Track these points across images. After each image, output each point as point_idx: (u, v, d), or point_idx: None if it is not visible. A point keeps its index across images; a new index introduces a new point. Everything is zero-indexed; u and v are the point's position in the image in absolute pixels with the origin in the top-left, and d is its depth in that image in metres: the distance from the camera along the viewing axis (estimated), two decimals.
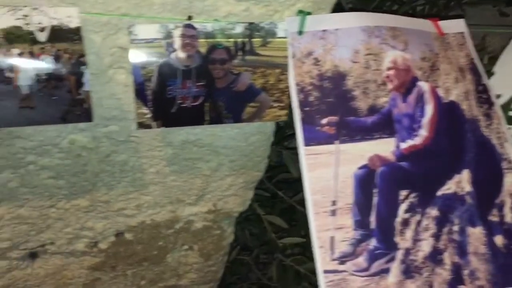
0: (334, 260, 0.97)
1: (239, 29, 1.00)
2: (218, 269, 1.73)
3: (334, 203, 1.00)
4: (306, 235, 1.56)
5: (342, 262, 0.98)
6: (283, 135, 1.53)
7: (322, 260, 0.97)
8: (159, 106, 1.00)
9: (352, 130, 1.03)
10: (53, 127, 1.09)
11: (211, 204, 1.47)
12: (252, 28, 1.01)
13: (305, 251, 1.70)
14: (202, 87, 1.01)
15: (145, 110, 1.00)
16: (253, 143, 1.34)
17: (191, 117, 1.04)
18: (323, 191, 1.00)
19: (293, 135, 1.57)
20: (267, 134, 1.34)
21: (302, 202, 1.66)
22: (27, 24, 0.83)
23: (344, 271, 0.98)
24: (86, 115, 0.91)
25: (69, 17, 0.86)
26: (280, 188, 1.67)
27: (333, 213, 0.99)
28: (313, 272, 1.55)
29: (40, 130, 1.08)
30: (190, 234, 1.54)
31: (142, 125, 1.01)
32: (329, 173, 1.01)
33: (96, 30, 0.95)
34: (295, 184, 1.73)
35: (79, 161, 1.18)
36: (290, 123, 1.08)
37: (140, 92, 0.98)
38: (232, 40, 1.01)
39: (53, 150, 1.14)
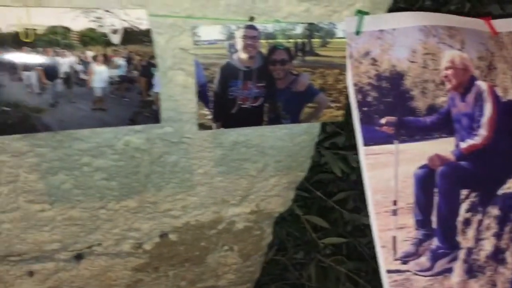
0: (396, 260, 0.98)
1: (299, 29, 1.01)
2: (256, 269, 1.74)
3: (395, 203, 1.00)
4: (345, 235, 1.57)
5: (405, 262, 0.98)
6: (324, 135, 1.53)
7: (385, 260, 0.97)
8: (220, 107, 1.01)
9: (411, 130, 1.03)
10: (110, 129, 1.09)
11: (254, 204, 1.47)
12: (312, 29, 1.01)
13: (345, 251, 1.70)
14: (262, 88, 1.01)
15: (206, 111, 1.00)
16: (298, 143, 1.34)
17: (250, 117, 1.04)
18: (384, 190, 1.00)
19: (334, 135, 1.57)
20: (313, 134, 1.35)
21: (340, 202, 1.66)
22: (100, 26, 0.83)
23: (408, 271, 0.98)
24: (154, 117, 0.91)
25: (139, 19, 0.87)
26: (317, 188, 1.68)
27: (394, 212, 0.99)
28: (354, 272, 1.55)
29: (98, 131, 1.08)
30: (232, 234, 1.55)
31: (202, 126, 1.02)
32: (389, 173, 1.01)
33: (160, 32, 0.95)
34: (333, 184, 1.73)
35: (132, 163, 1.18)
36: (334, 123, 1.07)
37: (202, 93, 0.99)
38: (292, 40, 1.01)
39: (108, 151, 1.14)
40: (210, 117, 1.00)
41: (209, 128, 1.01)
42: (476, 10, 1.67)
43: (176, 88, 1.06)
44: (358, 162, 1.43)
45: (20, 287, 1.37)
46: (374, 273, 1.78)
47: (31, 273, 1.36)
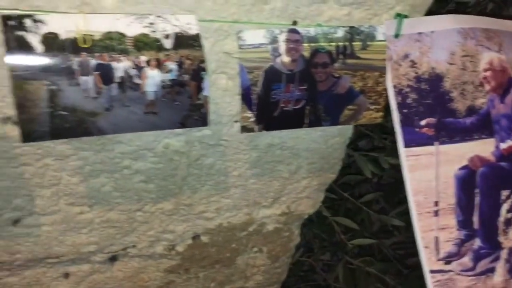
0: (439, 260, 0.99)
1: (340, 33, 1.02)
2: (283, 271, 1.75)
3: (436, 203, 1.01)
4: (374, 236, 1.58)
5: (447, 262, 0.99)
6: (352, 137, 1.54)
7: (428, 260, 0.98)
8: (262, 110, 1.02)
9: (451, 131, 1.05)
10: (150, 132, 1.11)
11: (285, 206, 1.49)
12: (353, 32, 1.03)
13: (374, 252, 1.71)
14: (304, 91, 1.03)
15: (249, 114, 1.01)
16: (332, 145, 1.35)
17: (292, 120, 1.05)
18: (425, 191, 1.01)
19: (361, 137, 1.59)
20: (346, 136, 1.36)
21: (368, 204, 1.67)
22: (153, 31, 0.85)
23: (450, 270, 0.99)
24: (203, 120, 0.93)
25: (189, 24, 0.88)
26: (344, 190, 1.69)
27: (436, 213, 1.00)
28: (384, 272, 1.56)
29: (139, 134, 1.10)
30: (261, 236, 1.56)
31: (245, 129, 1.03)
32: (430, 174, 1.03)
33: (206, 36, 0.97)
34: (360, 186, 1.74)
35: (170, 165, 1.20)
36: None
37: (246, 96, 1.00)
38: (334, 44, 1.02)
39: (147, 154, 1.16)
40: (252, 119, 1.02)
41: (251, 130, 1.03)
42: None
43: (217, 92, 1.08)
44: (389, 163, 1.45)
45: None
46: (399, 275, 1.79)
47: (66, 275, 1.38)
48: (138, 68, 0.85)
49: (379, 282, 1.53)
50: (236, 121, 1.17)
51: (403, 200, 1.77)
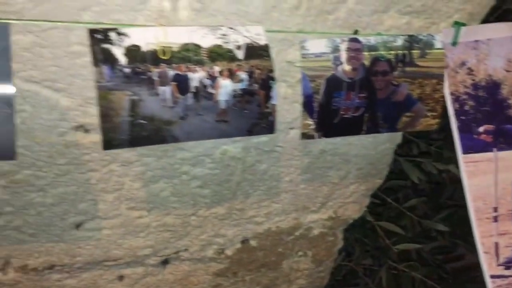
0: (500, 265, 1.00)
1: (399, 41, 1.04)
2: (326, 275, 1.77)
3: (495, 209, 1.02)
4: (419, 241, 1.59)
5: (508, 267, 1.00)
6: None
7: (488, 266, 1.00)
8: (322, 117, 1.05)
9: (510, 138, 1.06)
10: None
11: (331, 211, 1.51)
12: (412, 40, 1.05)
13: (412, 256, 1.72)
14: (364, 98, 1.05)
15: (310, 121, 1.04)
16: (381, 151, 1.37)
17: (351, 127, 1.08)
18: (484, 198, 1.03)
19: (408, 143, 1.60)
20: (395, 142, 1.38)
21: (411, 209, 1.68)
22: (226, 42, 0.88)
23: (511, 276, 1.00)
24: (270, 128, 0.96)
25: (258, 35, 0.91)
26: (387, 195, 1.70)
27: (496, 219, 1.01)
28: (428, 277, 1.57)
29: (200, 141, 1.13)
30: (307, 240, 1.58)
31: (305, 136, 1.06)
32: (489, 180, 1.04)
33: (271, 46, 1.00)
34: (401, 191, 1.76)
35: (226, 171, 1.23)
36: None
37: (307, 104, 1.03)
38: (393, 52, 1.04)
39: (206, 160, 1.19)
40: (313, 127, 1.04)
41: (312, 137, 1.05)
42: None
43: (277, 100, 1.11)
44: (437, 169, 1.46)
45: None
46: (440, 280, 1.80)
47: (121, 278, 1.41)
48: (212, 78, 0.88)
49: (424, 287, 1.54)
50: (291, 128, 1.20)
51: (445, 205, 1.78)
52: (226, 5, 0.90)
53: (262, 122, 0.95)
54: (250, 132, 0.95)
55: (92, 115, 1.00)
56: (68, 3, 0.81)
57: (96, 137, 1.04)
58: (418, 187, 1.80)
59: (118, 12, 0.85)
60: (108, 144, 0.85)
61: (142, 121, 0.85)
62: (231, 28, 0.89)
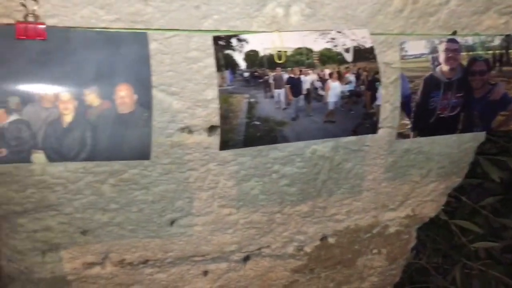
0: None
1: (497, 41, 1.05)
2: (397, 273, 1.78)
3: None
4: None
5: None
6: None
7: None
8: (419, 117, 1.07)
9: None
10: None
11: (409, 209, 1.52)
12: (509, 40, 1.06)
13: (488, 255, 1.72)
14: (461, 98, 1.07)
15: (406, 121, 1.06)
16: (464, 150, 1.38)
17: (446, 126, 1.09)
18: None
19: (486, 141, 1.59)
20: (479, 141, 1.38)
21: (485, 207, 1.68)
22: (335, 46, 0.92)
23: None
24: (373, 128, 0.99)
25: (364, 38, 0.94)
26: (461, 193, 1.70)
27: None
28: (503, 275, 1.56)
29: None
30: (383, 238, 1.60)
31: (401, 135, 1.08)
32: None
33: None
34: (477, 190, 1.75)
35: (313, 170, 1.27)
36: None
37: (405, 104, 1.05)
38: (490, 52, 1.06)
39: (296, 159, 1.23)
40: (409, 126, 1.06)
41: (407, 137, 1.07)
42: None
43: None
44: None
45: (195, 285, 1.48)
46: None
47: (205, 273, 1.47)
48: (322, 80, 0.92)
49: (503, 285, 1.54)
50: (380, 127, 1.22)
51: None
52: (335, 10, 0.93)
53: (366, 122, 0.98)
54: (354, 132, 0.98)
55: (198, 117, 1.05)
56: (192, 12, 0.86)
57: (198, 138, 1.10)
58: (490, 186, 1.79)
59: (235, 20, 0.90)
60: (225, 144, 0.89)
61: (257, 123, 0.90)
62: (339, 32, 0.92)
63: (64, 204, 1.10)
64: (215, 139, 1.09)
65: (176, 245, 1.32)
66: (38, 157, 0.76)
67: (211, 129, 1.09)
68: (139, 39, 0.78)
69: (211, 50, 0.91)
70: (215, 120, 1.05)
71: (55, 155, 0.77)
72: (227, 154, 1.16)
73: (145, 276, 1.37)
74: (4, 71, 0.71)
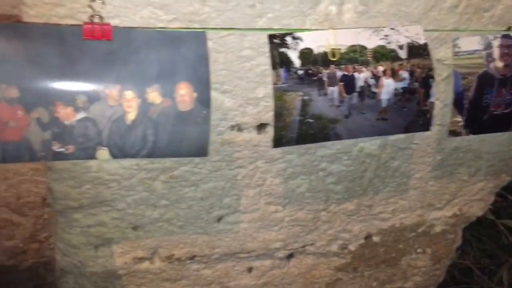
0: None
1: None
2: (442, 273, 1.76)
3: None
4: None
5: None
6: None
7: None
8: (472, 114, 1.05)
9: None
10: None
11: (456, 208, 1.50)
12: None
13: None
14: None
15: (459, 118, 1.05)
16: None
17: (499, 124, 1.07)
18: None
19: None
20: None
21: None
22: (388, 43, 0.91)
23: None
24: (426, 125, 0.98)
25: (418, 35, 0.94)
26: (509, 192, 1.67)
27: None
28: None
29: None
30: (428, 237, 1.58)
31: (453, 133, 1.07)
32: None
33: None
34: None
35: (360, 168, 1.26)
36: None
37: (457, 102, 1.04)
38: None
39: (343, 157, 1.23)
40: (461, 124, 1.05)
41: (459, 134, 1.06)
42: None
43: None
44: None
45: (239, 281, 1.50)
46: None
47: (250, 269, 1.48)
48: (376, 77, 0.92)
49: None
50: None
51: None
52: (388, 6, 0.93)
53: (419, 119, 0.97)
54: (407, 129, 0.98)
55: (248, 115, 1.06)
56: (247, 11, 0.88)
57: (248, 136, 1.11)
58: None
59: (289, 18, 0.91)
60: (278, 142, 0.90)
61: (310, 120, 0.90)
62: (392, 29, 0.92)
63: (118, 200, 1.14)
64: (264, 137, 1.10)
65: (222, 241, 1.34)
66: (103, 153, 0.79)
67: (261, 127, 1.10)
68: (199, 38, 0.79)
69: (263, 48, 0.92)
70: (265, 118, 1.07)
71: (119, 152, 0.79)
72: (275, 152, 1.17)
73: (192, 272, 1.40)
74: (72, 71, 0.74)
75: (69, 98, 0.74)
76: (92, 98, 0.75)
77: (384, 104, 0.91)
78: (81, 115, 0.75)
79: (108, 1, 0.81)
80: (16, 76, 0.71)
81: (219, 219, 1.29)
